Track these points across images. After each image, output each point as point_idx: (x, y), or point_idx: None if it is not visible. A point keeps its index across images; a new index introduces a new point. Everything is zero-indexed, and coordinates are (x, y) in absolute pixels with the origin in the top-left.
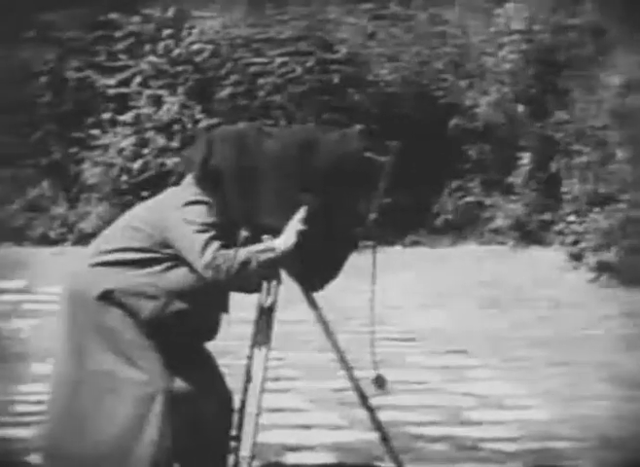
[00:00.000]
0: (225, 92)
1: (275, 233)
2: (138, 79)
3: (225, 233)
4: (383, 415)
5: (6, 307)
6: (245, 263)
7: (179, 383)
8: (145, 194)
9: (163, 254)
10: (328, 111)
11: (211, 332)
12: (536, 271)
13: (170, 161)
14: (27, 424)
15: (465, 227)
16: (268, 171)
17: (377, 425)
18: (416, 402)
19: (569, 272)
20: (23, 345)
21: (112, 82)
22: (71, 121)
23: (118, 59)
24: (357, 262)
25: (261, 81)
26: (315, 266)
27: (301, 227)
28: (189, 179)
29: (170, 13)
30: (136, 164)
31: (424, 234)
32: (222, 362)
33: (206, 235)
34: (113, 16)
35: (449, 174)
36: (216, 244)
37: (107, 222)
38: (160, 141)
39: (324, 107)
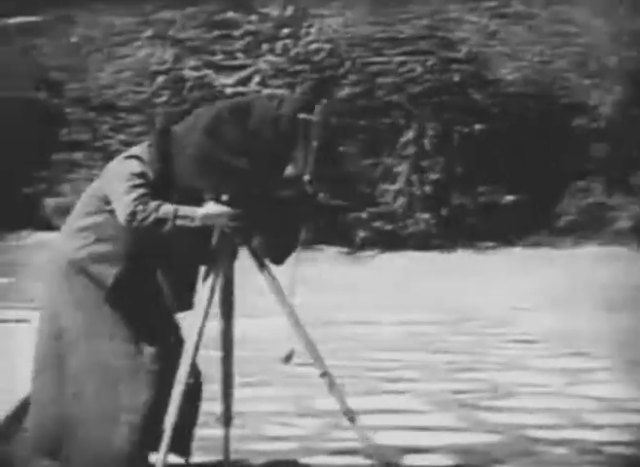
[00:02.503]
0: (343, 92)
1: (210, 197)
2: (257, 78)
3: (158, 190)
4: (504, 418)
5: None
6: (161, 220)
7: (150, 355)
8: None
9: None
10: (448, 110)
11: (183, 300)
12: None
13: None
14: None
15: (587, 228)
16: (204, 137)
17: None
18: (538, 405)
19: None
20: None
21: (230, 81)
22: None
23: (235, 58)
24: (476, 262)
25: (380, 80)
26: (269, 236)
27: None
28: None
29: (289, 11)
30: None
31: (545, 235)
32: None
33: (131, 183)
34: (230, 15)
35: (572, 175)
36: (139, 191)
37: None
38: None
39: (444, 106)
